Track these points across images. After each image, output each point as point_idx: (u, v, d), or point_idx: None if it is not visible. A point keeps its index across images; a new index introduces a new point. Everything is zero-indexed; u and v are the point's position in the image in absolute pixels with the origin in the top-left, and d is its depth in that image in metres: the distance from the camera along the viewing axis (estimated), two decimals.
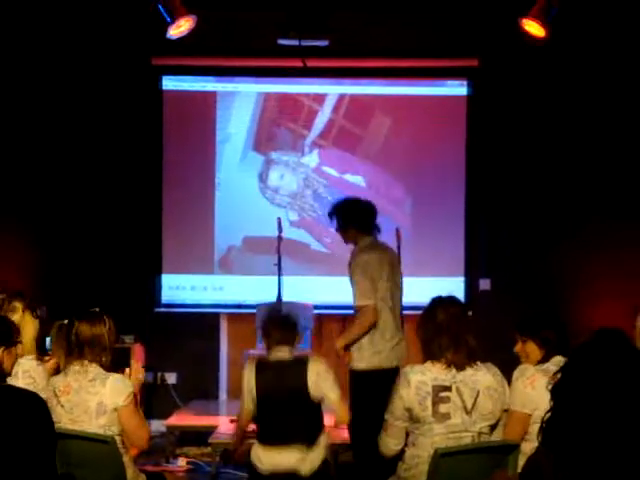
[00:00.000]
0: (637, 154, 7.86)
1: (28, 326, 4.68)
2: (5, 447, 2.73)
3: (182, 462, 6.77)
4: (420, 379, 3.78)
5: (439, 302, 3.97)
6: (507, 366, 4.16)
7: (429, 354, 3.87)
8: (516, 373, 3.96)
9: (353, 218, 5.64)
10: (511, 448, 3.71)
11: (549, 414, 2.46)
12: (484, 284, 8.15)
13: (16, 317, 4.63)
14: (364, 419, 5.12)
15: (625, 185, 7.90)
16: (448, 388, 3.77)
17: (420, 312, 4.07)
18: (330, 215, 5.71)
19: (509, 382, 3.98)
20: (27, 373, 4.29)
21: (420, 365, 3.87)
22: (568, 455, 2.33)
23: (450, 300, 3.99)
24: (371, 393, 5.31)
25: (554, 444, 2.39)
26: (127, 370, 4.39)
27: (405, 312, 6.15)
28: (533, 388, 3.83)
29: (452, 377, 3.79)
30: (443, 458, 3.63)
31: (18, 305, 4.81)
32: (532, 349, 4.08)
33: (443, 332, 3.84)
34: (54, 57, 7.80)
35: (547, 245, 8.03)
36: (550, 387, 2.50)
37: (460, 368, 3.79)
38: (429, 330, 3.89)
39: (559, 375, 2.48)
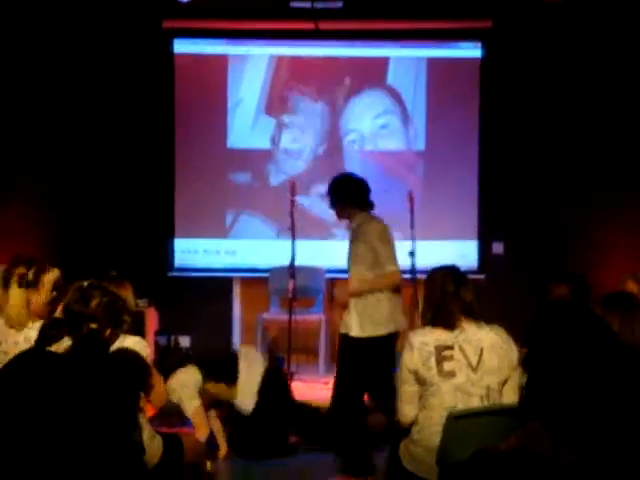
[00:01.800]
0: None
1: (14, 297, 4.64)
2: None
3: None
4: (422, 340, 3.84)
5: (439, 267, 4.07)
6: (520, 329, 4.17)
7: (428, 315, 3.92)
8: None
9: (347, 194, 5.62)
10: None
11: (524, 390, 2.46)
12: (497, 248, 8.14)
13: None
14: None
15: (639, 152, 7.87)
16: (450, 347, 3.82)
17: None
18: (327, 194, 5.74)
19: (521, 345, 3.98)
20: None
21: (422, 328, 3.94)
22: (556, 426, 2.33)
23: (451, 266, 4.06)
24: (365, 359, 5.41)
25: (539, 418, 2.39)
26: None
27: (418, 276, 6.16)
28: None
29: (454, 337, 3.84)
30: (457, 420, 3.64)
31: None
32: None
33: (441, 295, 3.89)
34: (65, 21, 7.78)
35: (560, 208, 8.01)
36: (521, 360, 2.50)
37: (460, 329, 3.83)
38: (428, 293, 3.96)
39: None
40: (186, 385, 5.68)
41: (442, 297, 3.90)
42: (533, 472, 2.39)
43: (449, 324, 3.84)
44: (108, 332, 3.67)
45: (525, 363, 2.48)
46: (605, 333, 2.41)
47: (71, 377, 2.53)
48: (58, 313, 3.91)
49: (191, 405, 5.66)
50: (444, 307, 3.88)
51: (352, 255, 5.55)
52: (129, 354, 3.62)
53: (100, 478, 2.47)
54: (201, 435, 5.50)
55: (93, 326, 3.61)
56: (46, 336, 3.51)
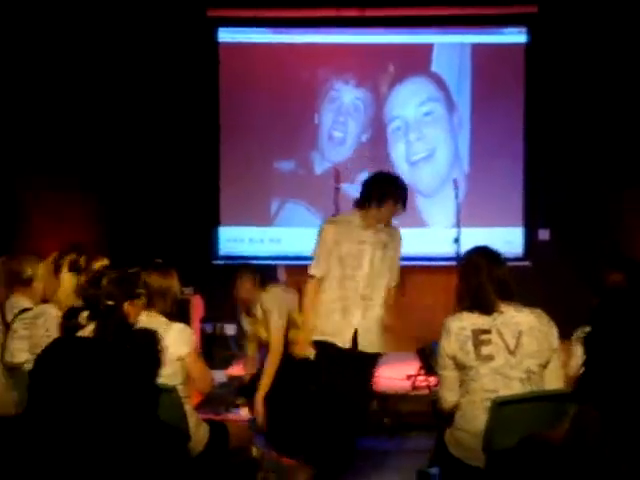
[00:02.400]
0: None
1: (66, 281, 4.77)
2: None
3: (244, 411, 6.85)
4: (459, 325, 3.83)
5: (475, 249, 4.04)
6: (566, 316, 4.14)
7: (465, 300, 3.90)
8: (575, 335, 3.93)
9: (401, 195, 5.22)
10: (571, 396, 3.69)
11: (582, 369, 2.43)
12: (543, 234, 8.08)
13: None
14: None
15: None
16: (487, 331, 3.80)
17: None
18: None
19: (564, 333, 3.95)
20: None
21: (459, 312, 3.91)
22: (609, 410, 2.30)
23: (486, 247, 4.03)
24: None
25: (593, 400, 2.36)
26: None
27: None
28: None
29: (492, 320, 3.82)
30: (501, 407, 3.63)
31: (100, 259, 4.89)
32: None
33: (478, 278, 3.86)
34: (111, 11, 7.83)
35: (607, 194, 7.92)
36: (583, 340, 2.47)
37: (497, 312, 3.80)
38: (464, 276, 3.95)
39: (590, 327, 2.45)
40: (282, 299, 5.60)
41: (476, 280, 3.88)
42: (582, 458, 2.37)
43: (486, 307, 3.82)
44: (126, 306, 3.73)
45: (586, 343, 2.45)
46: None
47: (100, 359, 2.57)
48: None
49: (276, 321, 5.55)
50: (479, 290, 3.86)
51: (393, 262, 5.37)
52: (147, 332, 3.66)
53: (140, 462, 2.49)
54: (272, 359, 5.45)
55: (110, 303, 3.66)
56: (67, 327, 3.57)
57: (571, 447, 2.47)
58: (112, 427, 2.42)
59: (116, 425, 2.43)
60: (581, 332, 3.89)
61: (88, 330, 3.66)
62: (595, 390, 2.35)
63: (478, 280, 3.88)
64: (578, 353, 3.82)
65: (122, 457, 2.40)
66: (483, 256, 3.95)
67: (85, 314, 3.67)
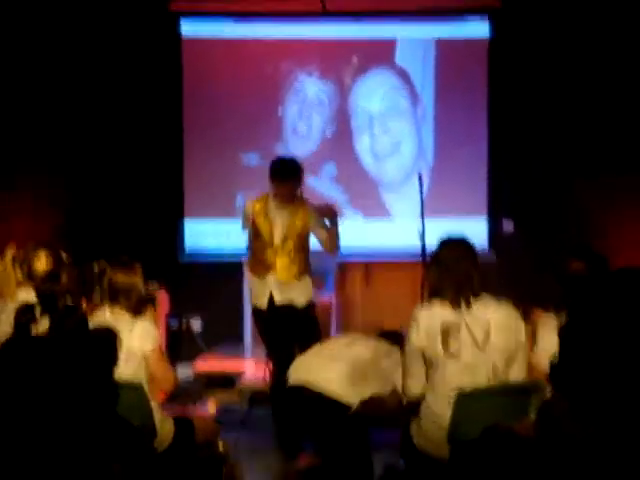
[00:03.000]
0: None
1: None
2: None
3: (211, 406, 6.85)
4: (428, 318, 3.83)
5: (445, 242, 4.00)
6: (529, 307, 4.16)
7: (434, 293, 3.90)
8: (540, 323, 3.94)
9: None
10: (535, 388, 3.72)
11: (557, 357, 2.45)
12: (507, 225, 8.12)
13: (40, 266, 4.69)
14: None
15: None
16: (457, 325, 3.80)
17: None
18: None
19: (528, 321, 3.97)
20: None
21: (428, 305, 3.90)
22: (581, 400, 2.32)
23: (456, 240, 4.00)
24: None
25: (565, 389, 2.38)
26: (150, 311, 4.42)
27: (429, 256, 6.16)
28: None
29: (460, 314, 3.82)
30: (465, 398, 3.65)
31: (42, 255, 4.86)
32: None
33: (447, 271, 3.86)
34: (70, 4, 7.76)
35: (572, 185, 7.97)
36: (558, 330, 2.49)
37: (467, 306, 3.81)
38: (434, 270, 3.93)
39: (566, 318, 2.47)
40: None
41: (446, 274, 3.87)
42: (550, 447, 2.38)
43: (456, 302, 3.83)
44: (84, 304, 3.72)
45: (560, 334, 2.47)
46: None
47: (55, 357, 2.55)
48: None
49: None
50: (448, 284, 3.85)
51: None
52: (104, 330, 3.66)
53: (99, 460, 2.49)
54: None
55: (68, 301, 3.64)
56: (20, 323, 3.54)
57: (539, 435, 2.49)
58: (69, 425, 2.41)
59: (73, 423, 2.42)
60: (544, 320, 3.91)
61: (42, 326, 3.62)
62: (568, 380, 2.37)
63: (445, 274, 3.87)
64: (542, 340, 3.84)
65: (80, 455, 2.39)
66: (450, 249, 3.94)
67: (39, 309, 3.64)
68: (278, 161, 5.97)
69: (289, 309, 5.87)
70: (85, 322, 3.66)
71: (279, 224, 5.86)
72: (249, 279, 6.14)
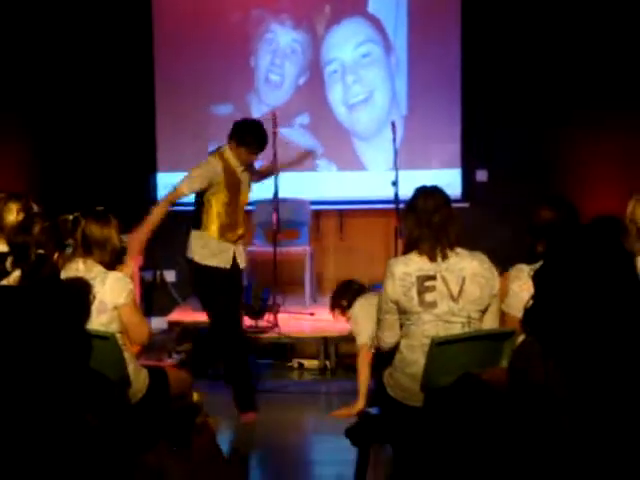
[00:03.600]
0: (634, 41, 7.78)
1: None
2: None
3: (184, 357, 6.86)
4: (404, 270, 3.80)
5: (420, 192, 3.96)
6: (502, 256, 4.18)
7: (411, 245, 3.88)
8: (512, 272, 3.94)
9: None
10: (506, 335, 3.75)
11: (531, 302, 2.46)
12: (481, 175, 8.14)
13: (11, 218, 4.64)
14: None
15: (622, 72, 7.83)
16: (433, 277, 3.79)
17: None
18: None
19: (502, 271, 3.98)
20: None
21: (404, 257, 3.89)
22: (554, 342, 2.34)
23: (432, 190, 3.97)
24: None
25: (538, 332, 2.40)
26: (121, 266, 4.39)
27: (401, 206, 6.16)
28: (529, 293, 3.81)
29: (436, 266, 3.80)
30: (439, 347, 3.67)
31: (13, 206, 4.81)
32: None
33: (423, 223, 3.84)
34: None
35: (544, 134, 7.99)
36: (532, 274, 2.50)
37: (442, 257, 3.81)
38: (410, 221, 3.90)
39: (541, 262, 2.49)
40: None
41: (420, 226, 3.86)
42: (523, 390, 2.41)
43: (431, 253, 3.82)
44: (56, 256, 3.70)
45: (535, 276, 2.48)
46: (625, 263, 2.41)
47: (27, 307, 2.54)
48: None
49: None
50: (423, 236, 3.84)
51: None
52: (77, 281, 3.67)
53: (70, 411, 2.48)
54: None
55: (40, 251, 3.61)
56: None
57: (511, 379, 2.51)
58: (40, 375, 2.40)
59: (44, 372, 2.41)
60: (516, 271, 3.91)
61: (13, 277, 3.60)
62: (542, 323, 2.39)
63: (422, 226, 3.85)
64: (515, 290, 3.85)
65: (52, 404, 2.39)
66: (427, 200, 3.90)
67: (10, 260, 3.61)
68: (257, 128, 5.63)
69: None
70: (57, 273, 3.64)
71: (245, 186, 5.71)
72: (203, 239, 5.66)
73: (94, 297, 3.90)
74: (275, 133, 6.50)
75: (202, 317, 6.95)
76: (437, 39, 7.98)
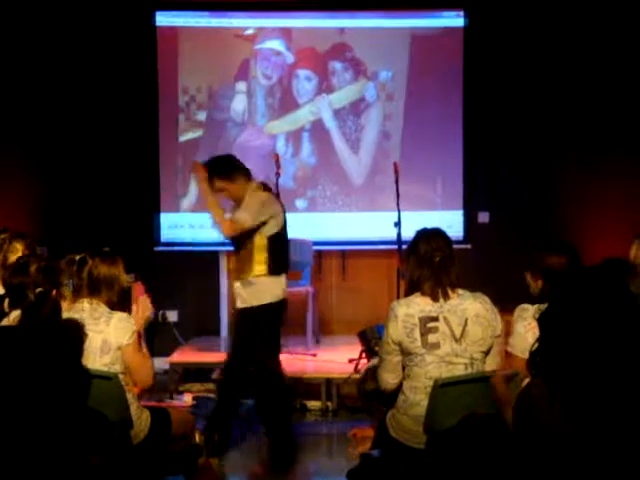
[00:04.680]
0: (636, 83, 7.84)
1: None
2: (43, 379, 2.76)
3: (187, 398, 6.85)
4: (407, 312, 3.82)
5: (422, 234, 3.99)
6: (504, 298, 4.19)
7: (413, 287, 3.90)
8: (516, 313, 3.95)
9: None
10: (510, 377, 3.74)
11: (536, 344, 2.47)
12: (483, 217, 8.16)
13: (15, 258, 4.66)
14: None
15: (622, 114, 7.88)
16: (435, 318, 3.80)
17: None
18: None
19: (503, 314, 3.99)
20: None
21: (406, 299, 3.91)
22: (560, 384, 2.34)
23: (433, 232, 4.00)
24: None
25: (545, 375, 2.40)
26: (134, 307, 4.40)
27: (404, 247, 6.17)
28: (534, 334, 3.82)
29: (439, 307, 3.82)
30: (442, 388, 3.67)
31: (19, 246, 4.83)
32: (539, 283, 4.04)
33: (425, 264, 3.86)
34: None
35: (546, 177, 8.03)
36: (537, 316, 2.51)
37: (444, 297, 3.82)
38: (411, 263, 3.93)
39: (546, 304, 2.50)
40: None
41: (422, 267, 3.88)
42: (529, 431, 2.41)
43: (433, 295, 3.83)
44: (54, 294, 3.71)
45: (541, 320, 2.50)
46: (629, 304, 2.42)
47: (27, 348, 2.54)
48: None
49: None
50: (426, 278, 3.86)
51: None
52: (71, 322, 3.68)
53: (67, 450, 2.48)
54: None
55: (39, 290, 3.62)
56: None
57: (516, 421, 2.51)
58: (40, 416, 2.40)
59: (44, 414, 2.41)
60: (520, 312, 3.93)
61: (13, 316, 3.60)
62: (548, 365, 2.39)
63: (423, 267, 3.88)
64: (519, 330, 3.86)
65: (53, 446, 2.38)
66: (428, 242, 3.93)
67: (7, 301, 3.62)
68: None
69: None
70: (58, 311, 3.65)
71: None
72: (260, 280, 5.56)
73: (86, 335, 3.91)
74: (278, 174, 6.54)
75: (204, 358, 6.95)
76: (439, 82, 8.04)
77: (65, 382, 2.61)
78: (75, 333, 3.51)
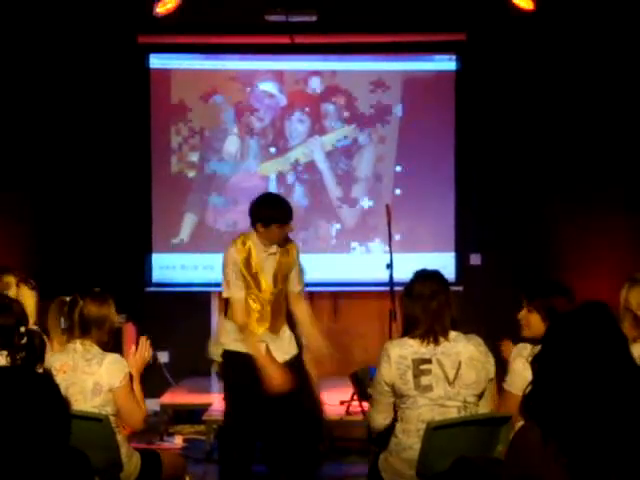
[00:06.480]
0: (625, 126, 7.90)
1: (28, 298, 4.70)
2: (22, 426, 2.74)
3: (177, 440, 6.80)
4: (400, 353, 3.81)
5: (419, 276, 4.00)
6: (497, 340, 4.19)
7: (408, 328, 3.90)
8: (514, 352, 3.95)
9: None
10: (503, 420, 3.73)
11: (530, 387, 2.47)
12: (475, 259, 8.17)
13: (11, 292, 4.63)
14: None
15: (615, 158, 7.93)
16: (428, 360, 3.80)
17: None
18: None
19: (496, 356, 3.99)
20: None
21: (399, 339, 3.91)
22: (553, 428, 2.34)
23: (430, 275, 4.00)
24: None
25: (538, 418, 2.40)
26: (132, 348, 4.38)
27: (396, 288, 6.17)
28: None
29: (432, 349, 3.82)
30: (435, 431, 3.65)
31: (11, 280, 4.80)
32: (535, 321, 4.02)
33: (420, 308, 3.86)
34: (40, 37, 7.74)
35: (537, 219, 8.05)
36: (530, 359, 2.51)
37: (438, 341, 3.82)
38: (407, 305, 3.93)
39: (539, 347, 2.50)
40: None
41: (417, 310, 3.88)
42: (521, 474, 2.40)
43: (427, 337, 3.83)
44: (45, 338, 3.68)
45: (535, 362, 2.50)
46: (621, 347, 2.43)
47: (20, 388, 2.54)
48: None
49: None
50: (420, 320, 3.86)
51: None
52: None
53: None
54: None
55: (22, 330, 3.57)
56: None
57: (509, 464, 2.51)
58: (20, 458, 2.39)
59: (25, 457, 2.40)
60: (518, 350, 3.92)
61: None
62: (541, 408, 2.39)
63: (418, 311, 3.88)
64: (517, 368, 3.84)
65: None
66: (424, 285, 3.93)
67: None
68: (276, 201, 5.23)
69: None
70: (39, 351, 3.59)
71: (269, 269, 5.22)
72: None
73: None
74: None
75: (195, 400, 6.89)
76: (430, 125, 8.08)
77: (49, 423, 2.61)
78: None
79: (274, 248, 5.14)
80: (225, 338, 5.24)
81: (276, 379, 4.92)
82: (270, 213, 5.07)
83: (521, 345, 3.93)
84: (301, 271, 5.39)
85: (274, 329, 5.20)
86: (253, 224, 5.11)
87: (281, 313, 5.28)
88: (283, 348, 5.21)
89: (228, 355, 5.21)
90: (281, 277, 5.22)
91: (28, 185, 7.91)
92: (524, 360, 3.78)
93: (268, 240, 5.10)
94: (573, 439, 2.31)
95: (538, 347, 3.49)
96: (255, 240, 5.11)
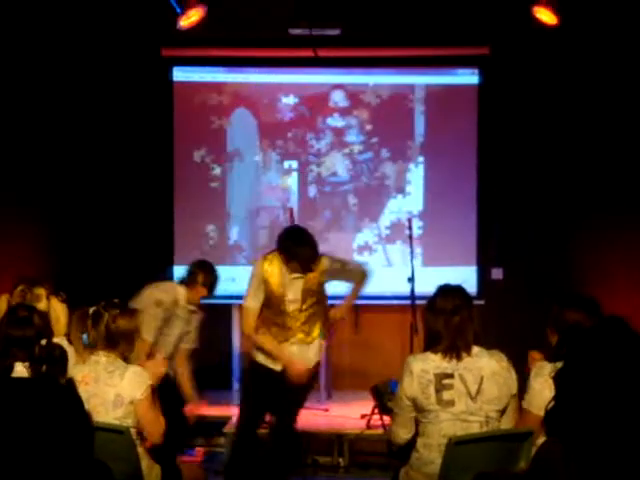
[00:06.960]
0: None
1: (59, 311, 4.71)
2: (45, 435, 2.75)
3: (198, 452, 6.80)
4: (422, 367, 3.80)
5: (442, 291, 3.98)
6: (518, 355, 4.16)
7: (430, 343, 3.89)
8: (534, 370, 3.92)
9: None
10: (525, 436, 3.71)
11: (552, 403, 2.46)
12: (496, 273, 8.14)
13: (41, 305, 4.62)
14: None
15: (639, 173, 7.89)
16: (450, 375, 3.78)
17: None
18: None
19: (518, 371, 3.97)
20: None
21: (422, 354, 3.89)
22: (576, 444, 2.33)
23: (452, 289, 3.98)
24: None
25: (560, 433, 2.39)
26: (150, 362, 4.39)
27: (417, 302, 6.15)
28: (551, 391, 3.77)
29: (455, 364, 3.80)
30: (457, 446, 3.63)
31: (42, 292, 4.80)
32: (555, 339, 4.00)
33: (442, 323, 3.85)
34: (65, 48, 7.80)
35: (560, 233, 8.02)
36: (553, 375, 2.50)
37: (460, 357, 3.80)
38: (429, 319, 3.92)
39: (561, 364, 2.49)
40: None
41: (440, 325, 3.86)
42: None
43: (450, 352, 3.81)
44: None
45: (557, 379, 2.49)
46: None
47: (34, 400, 2.55)
48: None
49: None
50: (443, 335, 3.84)
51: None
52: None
53: None
54: None
55: (43, 342, 3.54)
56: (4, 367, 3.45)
57: (533, 478, 2.50)
58: (44, 469, 2.40)
59: (47, 467, 2.41)
60: (538, 369, 3.89)
61: (18, 370, 3.48)
62: (564, 424, 2.38)
63: (440, 325, 3.86)
64: (535, 387, 3.81)
65: None
66: (446, 299, 3.91)
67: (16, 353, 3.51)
68: (302, 239, 5.31)
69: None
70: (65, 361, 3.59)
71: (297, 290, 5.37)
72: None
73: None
74: None
75: (216, 412, 6.90)
76: (453, 139, 8.07)
77: (72, 434, 2.61)
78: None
79: (298, 273, 5.31)
80: (256, 351, 5.49)
81: (296, 369, 5.30)
82: (295, 251, 5.25)
83: (540, 364, 3.89)
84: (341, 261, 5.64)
85: (306, 340, 5.46)
86: (279, 252, 5.33)
87: (315, 324, 5.49)
88: (308, 356, 5.45)
89: (253, 365, 5.49)
90: (311, 293, 5.40)
91: (52, 198, 7.95)
92: (543, 380, 3.74)
93: (291, 269, 5.29)
94: (595, 455, 2.30)
95: (559, 364, 3.50)
96: (281, 262, 5.32)
